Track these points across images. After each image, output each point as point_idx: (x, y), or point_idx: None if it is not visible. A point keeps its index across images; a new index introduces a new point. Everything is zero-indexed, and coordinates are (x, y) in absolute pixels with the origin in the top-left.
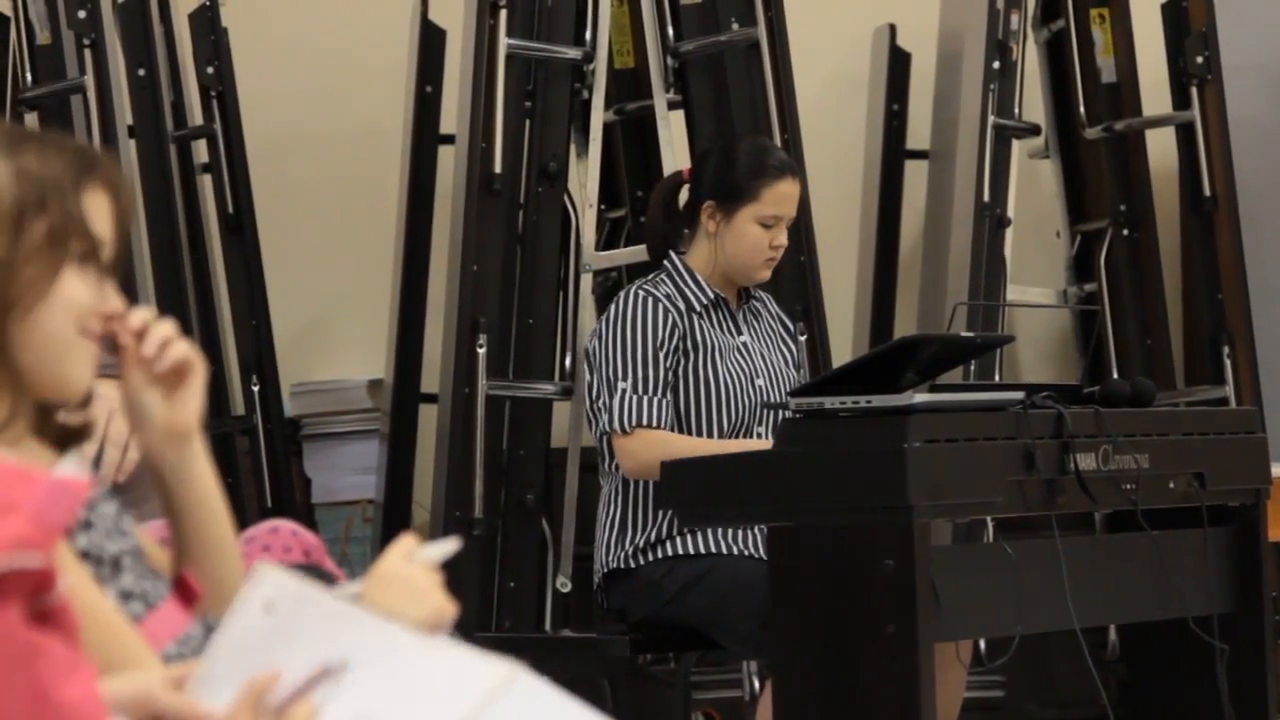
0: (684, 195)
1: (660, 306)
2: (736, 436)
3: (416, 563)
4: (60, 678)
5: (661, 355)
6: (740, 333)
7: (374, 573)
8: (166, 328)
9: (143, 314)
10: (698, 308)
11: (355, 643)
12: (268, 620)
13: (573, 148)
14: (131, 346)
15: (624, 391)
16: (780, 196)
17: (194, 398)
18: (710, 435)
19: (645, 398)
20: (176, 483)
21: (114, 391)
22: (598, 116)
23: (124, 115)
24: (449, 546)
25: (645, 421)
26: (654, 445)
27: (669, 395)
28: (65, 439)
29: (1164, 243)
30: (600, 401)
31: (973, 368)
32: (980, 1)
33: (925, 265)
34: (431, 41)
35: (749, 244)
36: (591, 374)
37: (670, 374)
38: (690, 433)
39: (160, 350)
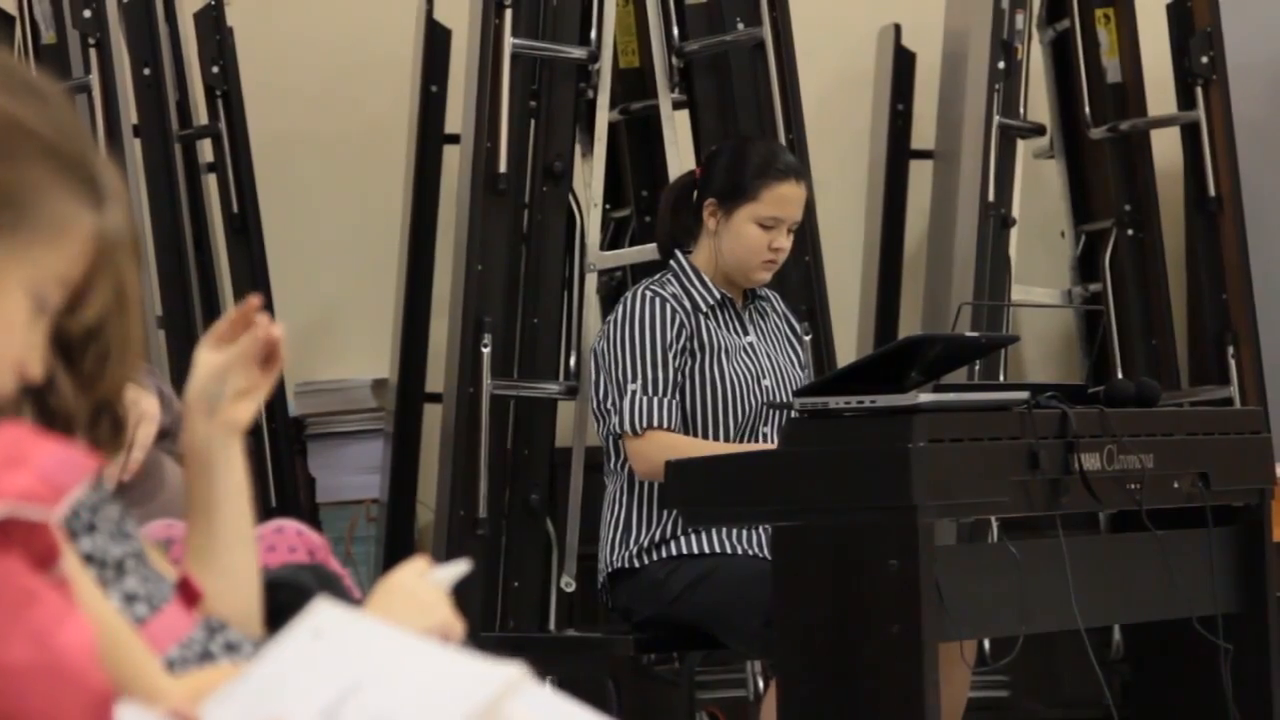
0: (694, 194)
1: (668, 307)
2: (743, 436)
3: (427, 580)
4: (56, 623)
5: (670, 356)
6: (746, 333)
7: (382, 585)
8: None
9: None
10: (704, 308)
11: (382, 656)
12: (315, 644)
13: (578, 147)
14: (246, 340)
15: (634, 393)
16: (780, 199)
17: (261, 395)
18: (717, 436)
19: (655, 399)
20: (221, 473)
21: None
22: (603, 116)
23: (129, 115)
24: (460, 569)
25: (656, 423)
26: (665, 447)
27: (678, 396)
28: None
29: (1169, 243)
30: (609, 402)
31: (977, 367)
32: (985, 1)
33: (930, 265)
34: (436, 41)
35: (746, 244)
36: (599, 374)
37: (678, 374)
38: (697, 433)
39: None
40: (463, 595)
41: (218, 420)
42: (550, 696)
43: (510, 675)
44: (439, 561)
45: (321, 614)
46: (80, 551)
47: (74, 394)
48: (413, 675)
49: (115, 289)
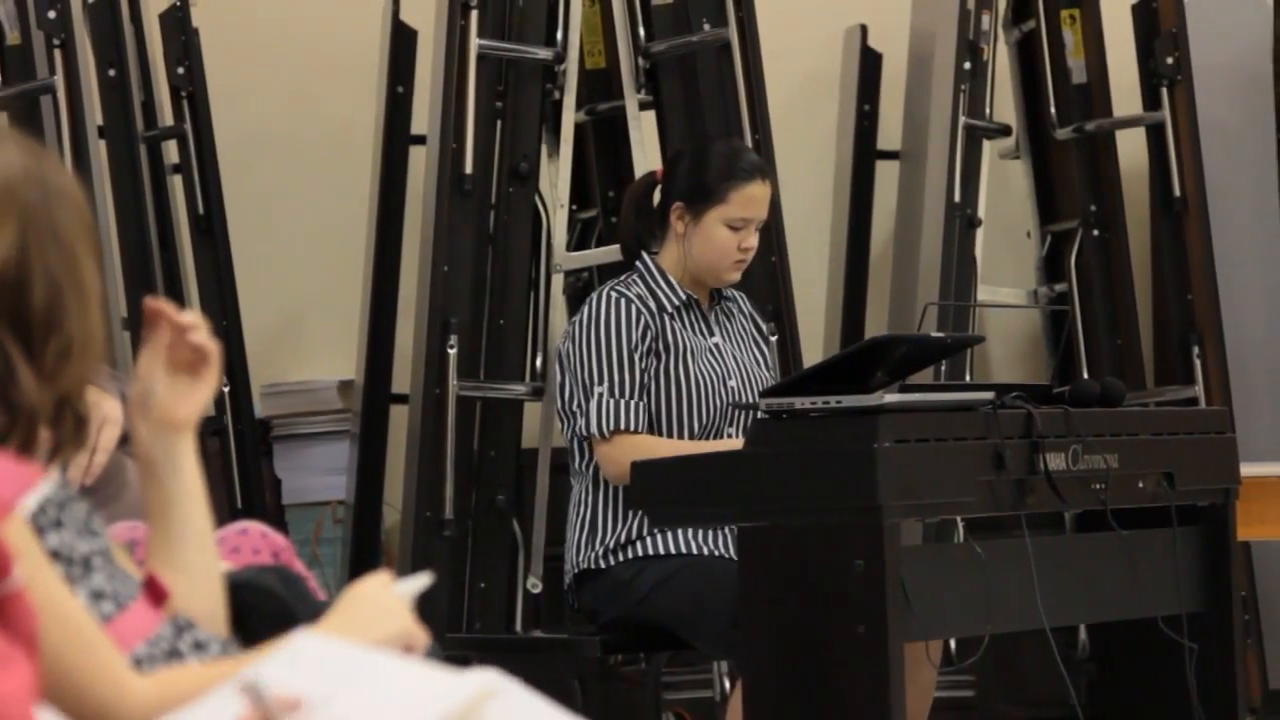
0: (657, 196)
1: (633, 308)
2: (707, 437)
3: (391, 590)
4: None
5: (636, 357)
6: (712, 334)
7: (346, 593)
8: (199, 321)
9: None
10: (669, 309)
11: (357, 672)
12: (292, 666)
13: (544, 148)
14: (162, 335)
15: (601, 396)
16: (748, 199)
17: (200, 394)
18: (682, 436)
19: (622, 401)
20: (166, 473)
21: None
22: (569, 117)
23: (94, 116)
24: (423, 581)
25: (624, 426)
26: (634, 449)
27: (645, 398)
28: None
29: (1134, 243)
30: (575, 404)
31: (943, 368)
32: (951, 2)
33: (896, 265)
34: (402, 42)
35: (717, 246)
36: (564, 375)
37: (645, 375)
38: (661, 434)
39: (188, 329)
40: (429, 597)
41: (154, 419)
42: (526, 702)
43: (482, 685)
44: (405, 562)
45: (299, 642)
46: (47, 547)
47: (36, 387)
48: (386, 687)
49: (23, 229)
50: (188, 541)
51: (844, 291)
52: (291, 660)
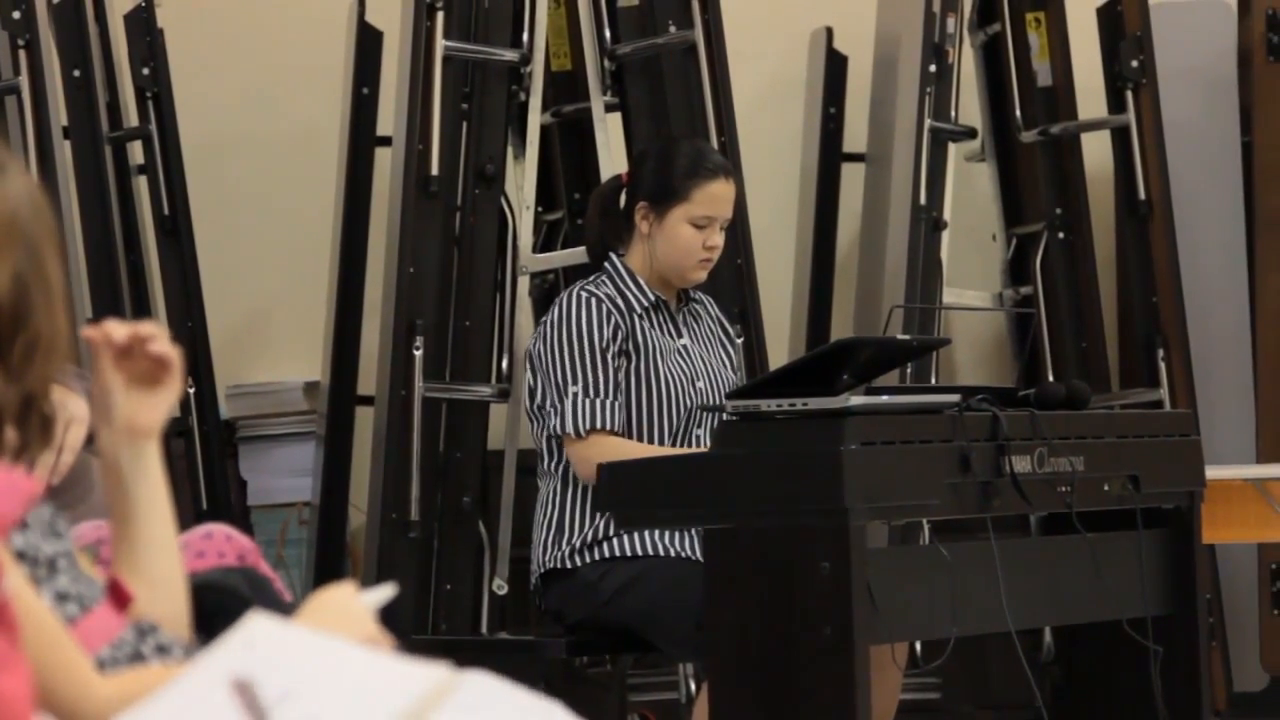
0: (623, 198)
1: (604, 307)
2: (677, 438)
3: (355, 599)
4: None
5: (609, 356)
6: (680, 335)
7: (312, 600)
8: (156, 330)
9: (138, 325)
10: (639, 309)
11: (315, 662)
12: (248, 654)
13: (510, 150)
14: (114, 346)
15: (576, 395)
16: (711, 197)
17: (163, 401)
18: (652, 438)
19: (598, 400)
20: (130, 480)
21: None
22: (535, 119)
23: (59, 116)
24: (387, 592)
25: (600, 425)
26: (609, 450)
27: (620, 397)
28: None
29: (1099, 246)
30: (548, 405)
31: (909, 370)
32: (916, 4)
33: (862, 268)
34: (368, 43)
35: (681, 245)
36: (535, 376)
37: (619, 374)
38: (631, 435)
39: (145, 340)
40: (394, 599)
41: (117, 427)
42: (488, 689)
43: (440, 677)
44: (371, 564)
45: (254, 626)
46: (12, 548)
47: (2, 386)
48: (343, 679)
49: (20, 259)
50: (152, 547)
51: (810, 294)
52: (247, 644)
